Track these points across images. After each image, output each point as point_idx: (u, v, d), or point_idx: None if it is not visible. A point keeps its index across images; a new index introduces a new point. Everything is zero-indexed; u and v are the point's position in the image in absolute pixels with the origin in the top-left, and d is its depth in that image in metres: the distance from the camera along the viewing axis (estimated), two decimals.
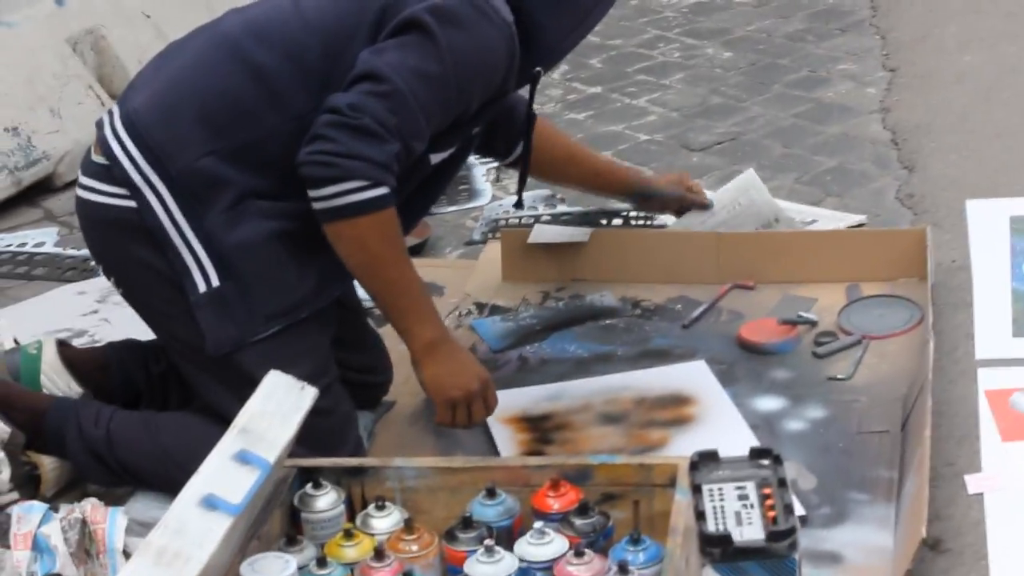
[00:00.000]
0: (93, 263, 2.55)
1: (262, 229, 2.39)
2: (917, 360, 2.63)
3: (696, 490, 2.04)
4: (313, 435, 2.11)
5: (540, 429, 2.62)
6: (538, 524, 1.96)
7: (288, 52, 2.39)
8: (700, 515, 2.01)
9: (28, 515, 2.20)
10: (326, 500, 2.05)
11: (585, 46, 4.41)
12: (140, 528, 2.24)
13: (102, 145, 2.43)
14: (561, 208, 3.45)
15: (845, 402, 2.62)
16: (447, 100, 2.37)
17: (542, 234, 3.12)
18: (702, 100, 4.12)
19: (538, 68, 2.53)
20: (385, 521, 2.03)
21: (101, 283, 3.12)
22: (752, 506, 2.03)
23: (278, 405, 2.00)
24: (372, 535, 2.00)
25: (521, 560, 1.93)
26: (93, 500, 2.28)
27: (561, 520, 1.99)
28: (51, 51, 3.99)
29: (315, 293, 2.44)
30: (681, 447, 2.46)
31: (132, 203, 2.39)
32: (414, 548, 1.96)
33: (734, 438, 2.44)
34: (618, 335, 2.92)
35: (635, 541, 1.93)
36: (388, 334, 2.58)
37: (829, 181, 3.53)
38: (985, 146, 3.54)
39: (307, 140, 2.31)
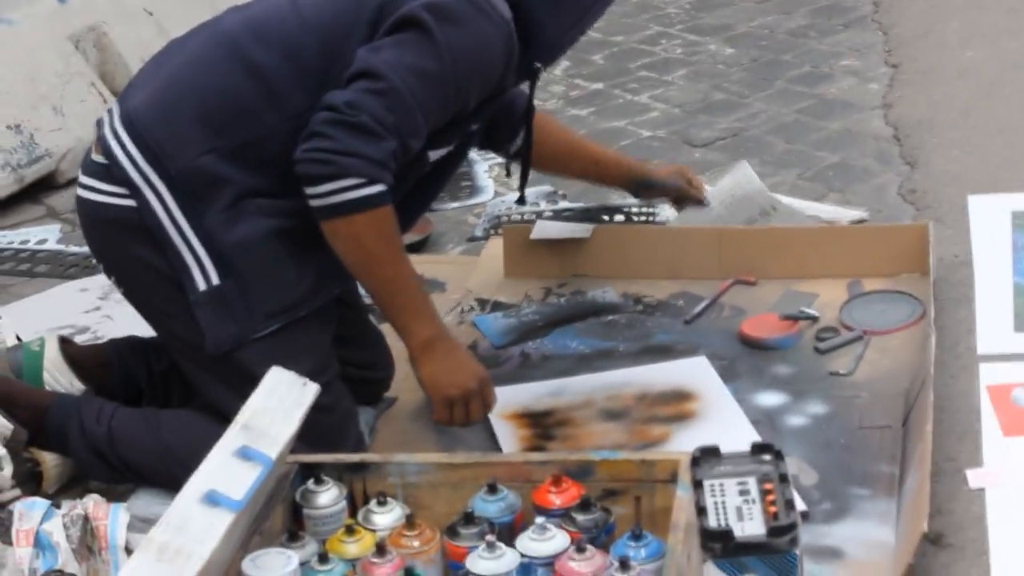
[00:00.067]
0: (95, 260, 2.56)
1: (261, 227, 2.39)
2: (919, 355, 2.64)
3: (697, 486, 2.04)
4: (314, 432, 2.11)
5: (542, 425, 2.62)
6: (540, 520, 1.96)
7: (286, 50, 2.39)
8: (701, 511, 2.01)
9: (30, 512, 2.20)
10: (328, 496, 2.05)
11: (587, 42, 4.43)
12: (142, 524, 2.25)
13: (101, 144, 2.43)
14: (563, 204, 3.46)
15: (846, 397, 2.62)
16: (445, 97, 2.37)
17: (544, 230, 3.12)
18: (704, 96, 4.12)
19: (537, 64, 2.54)
20: (387, 517, 2.03)
21: (103, 280, 3.11)
22: (753, 501, 2.03)
23: (280, 401, 2.00)
24: (374, 531, 2.00)
25: (523, 556, 1.92)
26: (95, 496, 2.28)
27: (563, 516, 1.99)
28: (53, 49, 3.99)
29: (314, 291, 2.44)
30: (682, 443, 2.47)
31: (132, 202, 2.39)
32: (416, 544, 1.97)
33: (735, 434, 2.44)
34: (620, 331, 2.92)
35: (636, 537, 1.93)
36: (389, 331, 2.58)
37: (831, 177, 3.54)
38: (987, 142, 3.54)
39: (304, 137, 2.31)
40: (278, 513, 2.03)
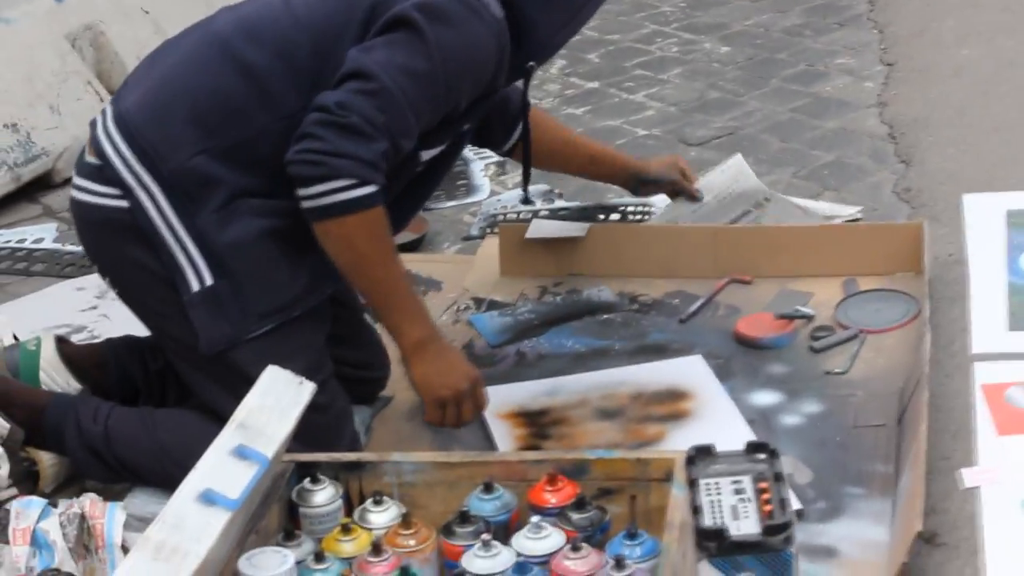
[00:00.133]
0: (90, 261, 2.57)
1: (254, 227, 2.39)
2: (913, 354, 2.64)
3: (692, 484, 2.05)
4: (309, 431, 2.11)
5: (537, 424, 2.63)
6: (535, 518, 1.96)
7: (278, 51, 2.39)
8: (696, 509, 2.02)
9: (27, 510, 2.21)
10: (324, 495, 2.06)
11: (583, 41, 4.45)
12: (138, 523, 2.25)
13: (95, 145, 2.44)
14: (559, 203, 3.46)
15: (841, 396, 2.63)
16: (436, 97, 2.37)
17: (540, 229, 3.13)
18: (700, 95, 4.13)
19: (531, 63, 2.54)
20: (382, 516, 2.03)
21: (99, 279, 3.08)
22: (748, 500, 2.04)
23: (276, 400, 2.00)
24: (369, 530, 2.00)
25: (518, 554, 1.93)
26: (92, 495, 2.29)
27: (558, 514, 1.99)
28: (50, 47, 3.99)
29: (308, 291, 2.44)
30: (678, 442, 2.47)
31: (124, 203, 2.40)
32: (411, 542, 1.97)
33: (730, 432, 2.44)
34: (615, 330, 2.93)
35: (632, 535, 1.93)
36: (385, 330, 2.59)
37: (827, 175, 3.54)
38: (982, 140, 3.55)
39: (295, 139, 2.32)
40: (274, 512, 2.03)
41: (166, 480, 2.26)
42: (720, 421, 2.56)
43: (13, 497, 2.35)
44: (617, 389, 2.70)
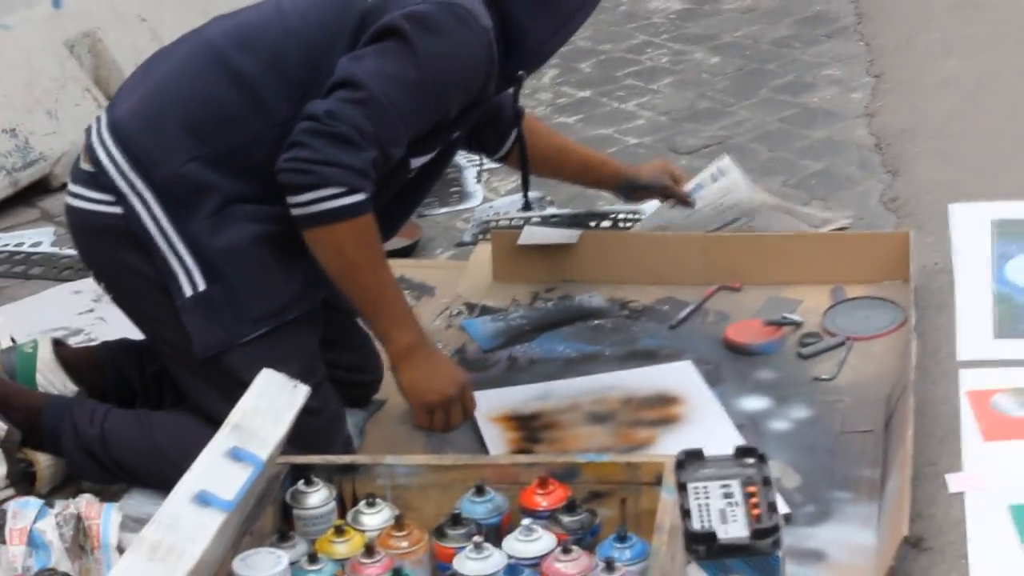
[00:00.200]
0: (85, 267, 2.58)
1: (247, 233, 2.41)
2: (900, 361, 2.66)
3: (682, 488, 2.05)
4: (302, 434, 2.13)
5: (529, 428, 2.64)
6: (526, 521, 1.98)
7: (270, 59, 2.40)
8: (685, 513, 2.02)
9: (24, 511, 2.22)
10: (317, 497, 2.07)
11: (575, 51, 4.47)
12: (134, 524, 2.26)
13: (89, 152, 2.45)
14: (551, 210, 3.48)
15: (829, 402, 2.65)
16: (425, 106, 2.39)
17: (532, 236, 3.14)
18: (690, 104, 4.15)
19: (521, 72, 2.56)
20: (375, 518, 2.04)
21: (96, 283, 3.14)
22: (737, 504, 2.04)
23: (271, 403, 2.02)
24: (363, 532, 2.02)
25: (509, 556, 1.94)
26: (88, 496, 2.30)
27: (549, 517, 2.01)
28: (48, 54, 4.01)
29: (301, 295, 2.46)
30: (667, 446, 2.49)
31: (118, 209, 2.41)
32: (404, 544, 1.98)
33: (720, 437, 2.46)
34: (606, 335, 2.94)
35: (622, 538, 1.95)
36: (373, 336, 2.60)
37: (814, 185, 3.56)
38: (968, 150, 3.57)
39: (285, 147, 2.33)
40: (268, 513, 2.05)
41: (162, 481, 2.27)
42: (709, 426, 2.57)
43: (10, 498, 2.36)
44: (608, 394, 2.71)
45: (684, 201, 3.08)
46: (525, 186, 2.82)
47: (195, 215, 2.39)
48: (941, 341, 2.75)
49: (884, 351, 2.77)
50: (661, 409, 2.66)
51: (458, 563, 1.94)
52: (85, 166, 2.46)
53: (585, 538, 1.98)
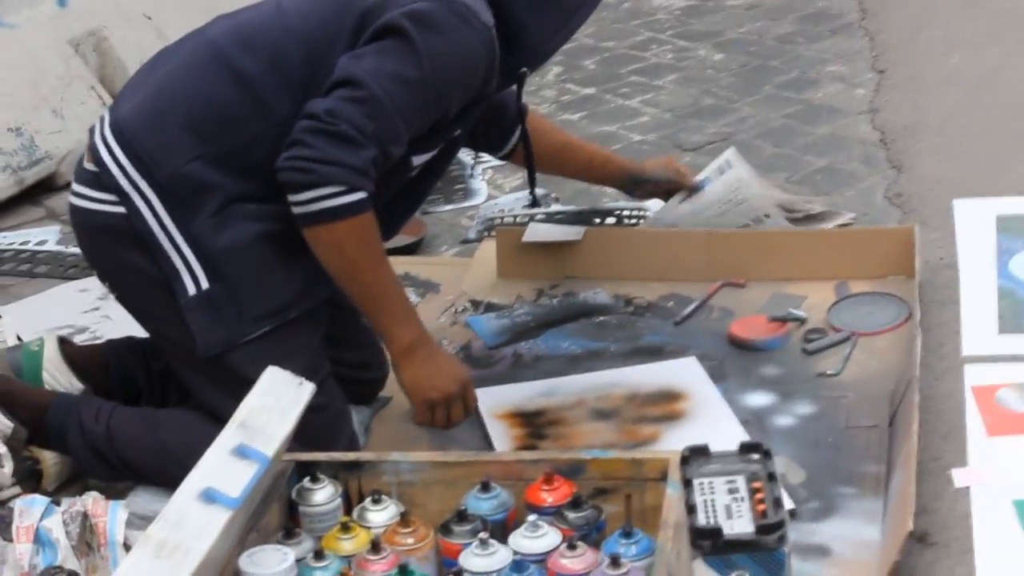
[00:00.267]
0: (89, 266, 2.59)
1: (249, 232, 2.41)
2: (905, 356, 2.66)
3: (687, 484, 2.06)
4: (307, 431, 2.13)
5: (534, 424, 2.65)
6: (532, 517, 1.98)
7: (271, 59, 2.41)
8: (691, 509, 2.03)
9: (30, 509, 2.22)
10: (323, 494, 2.07)
11: (579, 48, 4.47)
12: (140, 521, 2.27)
13: (92, 152, 2.46)
14: (555, 207, 3.48)
15: (834, 398, 2.65)
16: (426, 104, 2.39)
17: (536, 233, 3.15)
18: (694, 101, 4.15)
19: (523, 69, 2.56)
20: (381, 514, 2.05)
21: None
22: (742, 500, 2.05)
23: (277, 400, 2.02)
24: (368, 528, 2.02)
25: (515, 553, 1.95)
26: (94, 494, 2.30)
27: (554, 514, 2.01)
28: (54, 52, 4.02)
29: (303, 293, 2.46)
30: (672, 442, 2.49)
31: (121, 209, 2.42)
32: (410, 541, 1.98)
33: (724, 433, 2.46)
34: (611, 332, 2.95)
35: (627, 534, 1.94)
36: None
37: (819, 181, 3.56)
38: (972, 146, 3.57)
39: (286, 146, 2.34)
40: (274, 511, 2.05)
41: (168, 479, 2.27)
42: (714, 422, 2.58)
43: (17, 495, 2.36)
44: (612, 390, 2.72)
45: (693, 189, 3.07)
46: (532, 183, 2.82)
47: (197, 214, 2.40)
48: (945, 336, 2.75)
49: (888, 347, 2.78)
50: (666, 405, 2.66)
51: (464, 559, 1.94)
52: (88, 166, 2.47)
53: (590, 534, 1.99)
